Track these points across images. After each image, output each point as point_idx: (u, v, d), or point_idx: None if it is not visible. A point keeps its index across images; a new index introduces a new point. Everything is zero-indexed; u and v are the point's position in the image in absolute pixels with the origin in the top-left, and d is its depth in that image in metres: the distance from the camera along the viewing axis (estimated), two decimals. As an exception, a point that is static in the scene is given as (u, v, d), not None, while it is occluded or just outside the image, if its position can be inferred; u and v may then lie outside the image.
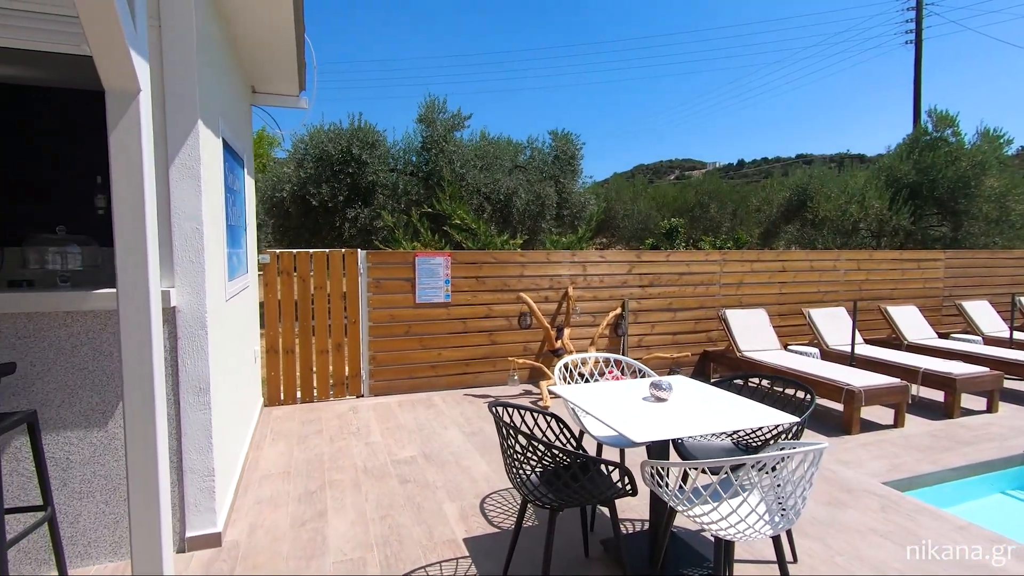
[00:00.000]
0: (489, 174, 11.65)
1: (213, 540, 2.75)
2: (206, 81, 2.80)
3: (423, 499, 3.27)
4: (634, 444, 2.12)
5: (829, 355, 5.96)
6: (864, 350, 5.87)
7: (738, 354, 5.79)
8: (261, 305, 5.02)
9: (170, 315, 2.60)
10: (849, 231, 12.10)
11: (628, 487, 2.24)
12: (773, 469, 1.99)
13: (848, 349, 5.75)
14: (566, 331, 5.85)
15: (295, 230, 11.50)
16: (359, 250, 5.31)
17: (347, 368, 5.39)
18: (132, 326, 1.80)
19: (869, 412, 4.79)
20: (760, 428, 2.70)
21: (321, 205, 11.00)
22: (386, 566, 2.60)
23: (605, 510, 2.84)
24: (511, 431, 2.18)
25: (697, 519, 2.03)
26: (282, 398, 5.14)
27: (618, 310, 6.18)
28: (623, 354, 5.76)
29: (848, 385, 4.46)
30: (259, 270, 4.95)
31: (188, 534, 2.70)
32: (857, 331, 5.91)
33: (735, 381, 3.08)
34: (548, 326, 5.74)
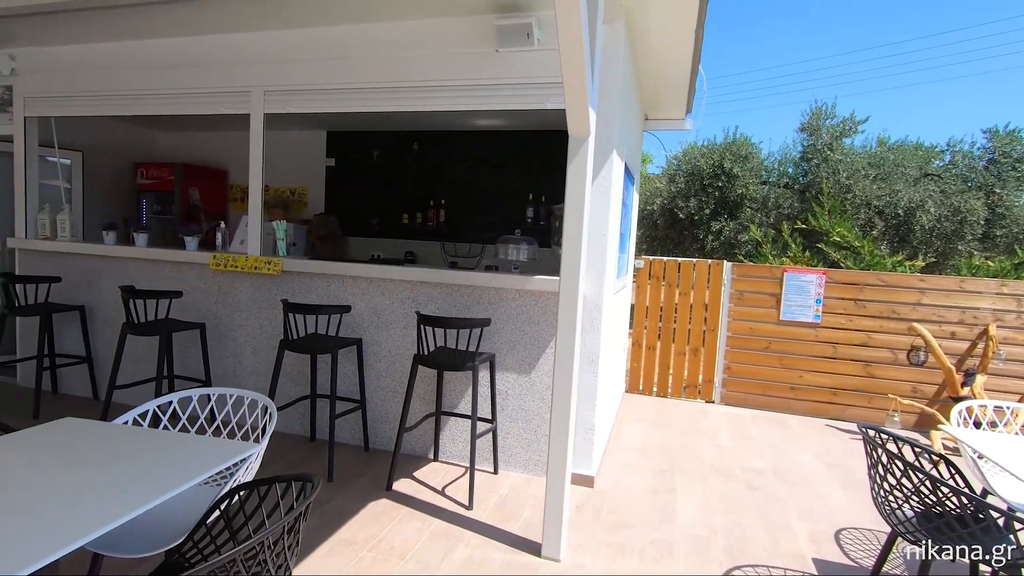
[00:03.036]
0: (885, 184, 10.03)
1: (587, 481, 3.46)
2: (619, 119, 3.52)
3: (770, 509, 3.31)
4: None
5: None
6: None
7: None
8: (631, 306, 5.77)
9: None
10: None
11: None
12: None
13: None
14: (979, 378, 4.72)
15: (660, 240, 12.33)
16: (725, 262, 5.51)
17: (700, 373, 5.67)
18: (568, 304, 2.53)
19: None
20: None
21: (687, 218, 11.49)
22: (728, 552, 2.80)
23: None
24: (886, 451, 2.10)
25: None
26: (640, 388, 5.79)
27: (1074, 364, 4.61)
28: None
29: None
30: (633, 274, 5.69)
31: (573, 470, 3.48)
32: None
33: None
34: (951, 367, 4.74)
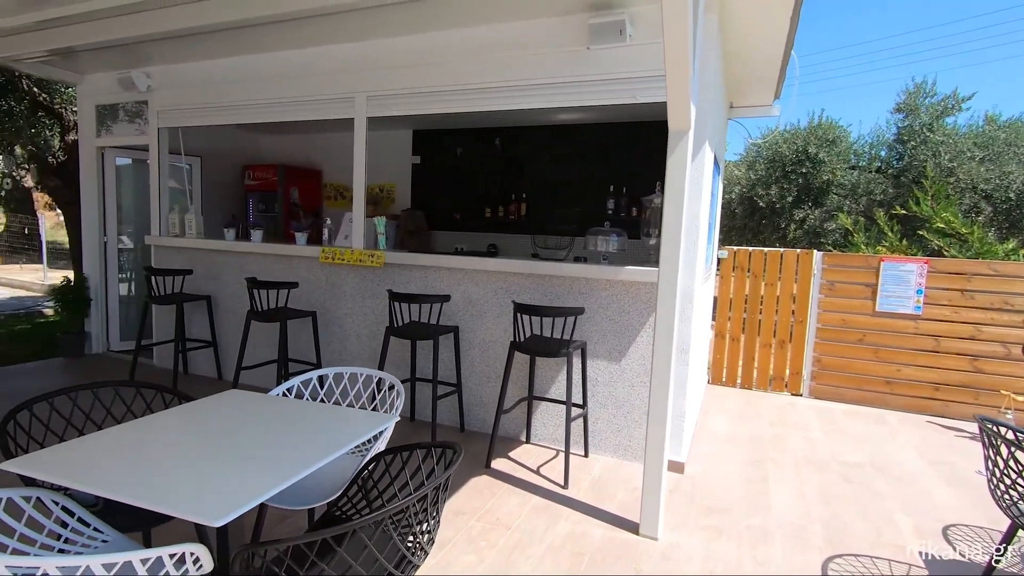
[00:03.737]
0: (995, 166, 9.28)
1: (677, 467, 3.54)
2: (709, 112, 3.53)
3: (869, 502, 3.25)
4: None
5: None
6: None
7: None
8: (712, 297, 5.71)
9: (669, 290, 3.48)
10: None
11: None
12: None
13: None
14: (1108, 375, 4.35)
15: (737, 230, 11.96)
16: (815, 251, 5.34)
17: (788, 366, 5.54)
18: (666, 294, 2.62)
19: None
20: None
21: (768, 206, 11.09)
22: (828, 541, 2.80)
23: None
24: (1006, 443, 2.06)
25: None
26: (723, 379, 5.74)
27: None
28: None
29: None
30: (717, 264, 5.64)
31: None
32: None
33: None
34: (1074, 363, 4.40)
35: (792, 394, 5.51)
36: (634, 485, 3.31)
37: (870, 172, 10.74)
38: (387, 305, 4.28)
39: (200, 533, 1.71)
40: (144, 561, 1.32)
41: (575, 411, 3.50)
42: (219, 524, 1.29)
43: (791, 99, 5.31)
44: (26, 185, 13.63)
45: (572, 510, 2.99)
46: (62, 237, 15.39)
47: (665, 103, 3.22)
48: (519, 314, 3.42)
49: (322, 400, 2.47)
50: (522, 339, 3.46)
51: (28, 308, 8.80)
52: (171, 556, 1.38)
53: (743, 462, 3.77)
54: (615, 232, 3.86)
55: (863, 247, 6.80)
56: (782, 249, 5.46)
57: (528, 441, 3.90)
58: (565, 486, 3.24)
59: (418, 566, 1.64)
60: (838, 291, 5.28)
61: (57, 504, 1.65)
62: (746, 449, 4.01)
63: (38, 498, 1.62)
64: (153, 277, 4.77)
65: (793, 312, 5.47)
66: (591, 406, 3.71)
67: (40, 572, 1.19)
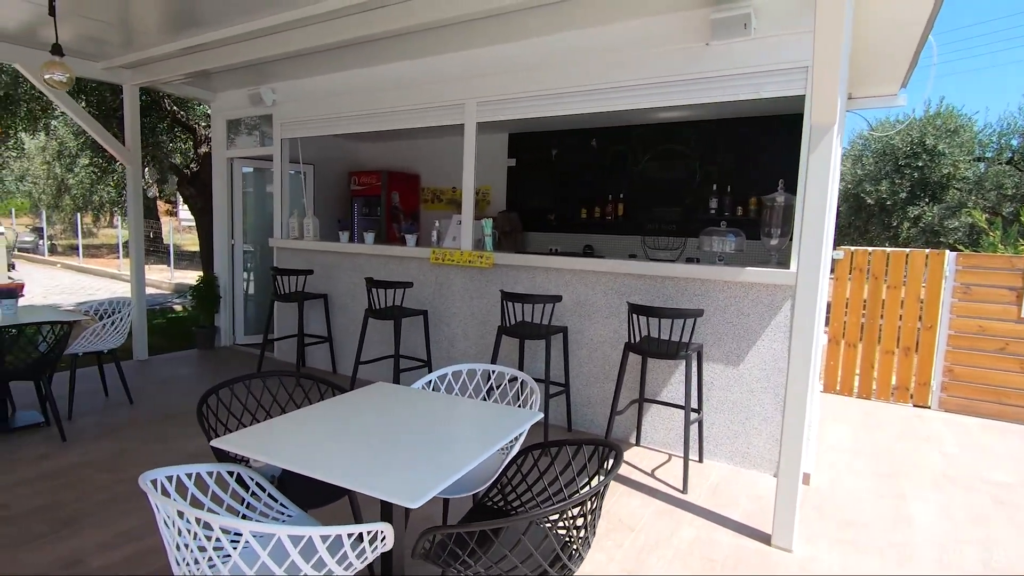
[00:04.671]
0: None
1: (804, 478, 3.37)
2: (839, 103, 3.34)
3: (1030, 527, 2.96)
4: None
5: None
6: None
7: None
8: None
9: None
10: None
11: None
12: None
13: None
14: None
15: (842, 230, 11.20)
16: (947, 252, 4.91)
17: (913, 375, 5.13)
18: (805, 298, 2.52)
19: None
20: None
21: (877, 203, 10.33)
22: (985, 565, 2.58)
23: None
24: None
25: None
26: (837, 388, 5.40)
27: None
28: None
29: None
30: (831, 265, 5.32)
31: (784, 465, 3.42)
32: None
33: None
34: None
35: (917, 406, 5.10)
36: (756, 493, 3.20)
37: (999, 164, 9.73)
38: (494, 305, 4.40)
39: (384, 513, 1.84)
40: (349, 535, 1.45)
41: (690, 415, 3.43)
42: (415, 506, 1.39)
43: (926, 87, 4.92)
44: (151, 195, 15.18)
45: (694, 515, 2.94)
46: (178, 240, 17.00)
47: (787, 98, 3.11)
48: (634, 315, 3.40)
49: (456, 394, 2.58)
50: (635, 340, 3.44)
51: (160, 304, 9.78)
52: (368, 533, 1.51)
53: (872, 475, 3.54)
54: (732, 232, 3.74)
55: (1001, 247, 6.17)
56: (907, 249, 5.07)
57: (638, 444, 3.86)
58: (684, 491, 3.19)
59: (573, 570, 1.67)
60: (975, 295, 4.83)
61: (252, 480, 1.84)
62: (873, 462, 3.76)
63: (239, 474, 1.81)
64: (279, 277, 5.16)
65: (920, 317, 5.06)
66: (706, 411, 3.62)
67: (275, 537, 1.33)
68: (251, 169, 6.45)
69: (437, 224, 5.05)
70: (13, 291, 3.76)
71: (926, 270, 4.98)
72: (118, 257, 16.05)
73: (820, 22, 2.11)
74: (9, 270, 10.84)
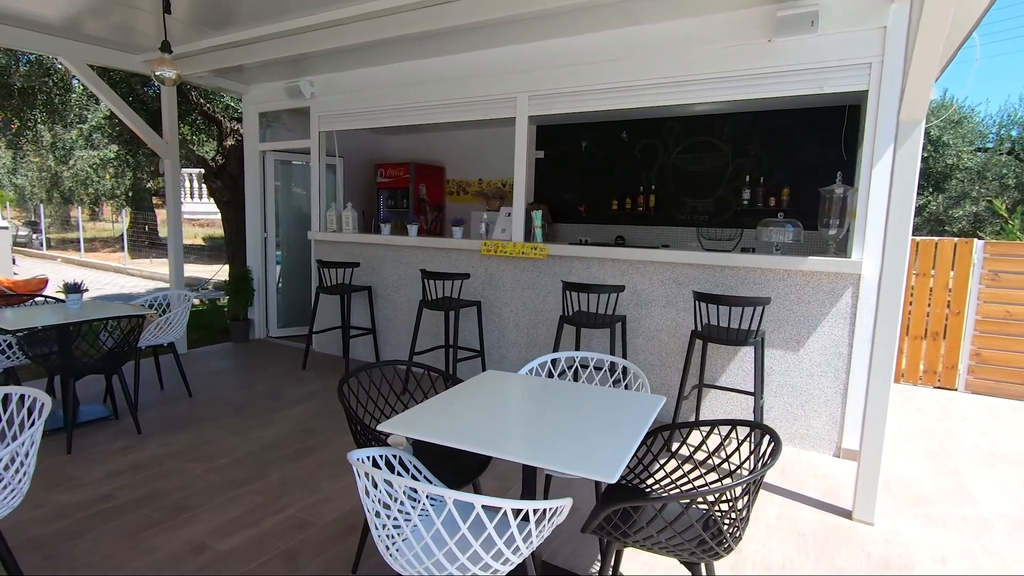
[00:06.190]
0: None
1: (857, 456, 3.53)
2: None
3: (1082, 499, 3.15)
4: None
5: None
6: None
7: None
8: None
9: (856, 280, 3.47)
10: None
11: None
12: None
13: None
14: None
15: (846, 219, 11.46)
16: (975, 240, 5.10)
17: (941, 359, 5.34)
18: (890, 290, 2.65)
19: None
20: None
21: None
22: (1054, 535, 2.75)
23: None
24: None
25: None
26: (866, 372, 5.59)
27: None
28: None
29: None
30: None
31: (843, 445, 3.58)
32: None
33: None
34: None
35: (946, 388, 5.30)
36: (822, 472, 3.36)
37: (1000, 154, 10.02)
38: (546, 295, 4.50)
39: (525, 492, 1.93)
40: (535, 511, 1.55)
41: (747, 399, 3.57)
42: (613, 480, 1.49)
43: (967, 83, 5.07)
44: (147, 186, 14.93)
45: (772, 494, 3.08)
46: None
47: (844, 92, 3.24)
48: (699, 303, 3.52)
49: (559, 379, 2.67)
50: (699, 328, 3.56)
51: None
52: (550, 509, 1.60)
53: (924, 455, 3.71)
54: (790, 223, 3.87)
55: (1020, 234, 6.40)
56: (936, 238, 5.25)
57: (698, 428, 3.99)
58: (755, 471, 3.32)
59: (720, 555, 1.76)
60: (1003, 281, 5.03)
61: (411, 463, 1.92)
62: (921, 442, 3.93)
63: (401, 458, 1.89)
64: (323, 269, 5.19)
65: (948, 304, 5.26)
66: (765, 394, 3.76)
67: (472, 507, 1.43)
68: (279, 161, 6.44)
69: (484, 217, 5.11)
70: (78, 286, 3.77)
71: (955, 257, 5.17)
72: (119, 250, 15.81)
73: (926, 20, 2.22)
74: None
